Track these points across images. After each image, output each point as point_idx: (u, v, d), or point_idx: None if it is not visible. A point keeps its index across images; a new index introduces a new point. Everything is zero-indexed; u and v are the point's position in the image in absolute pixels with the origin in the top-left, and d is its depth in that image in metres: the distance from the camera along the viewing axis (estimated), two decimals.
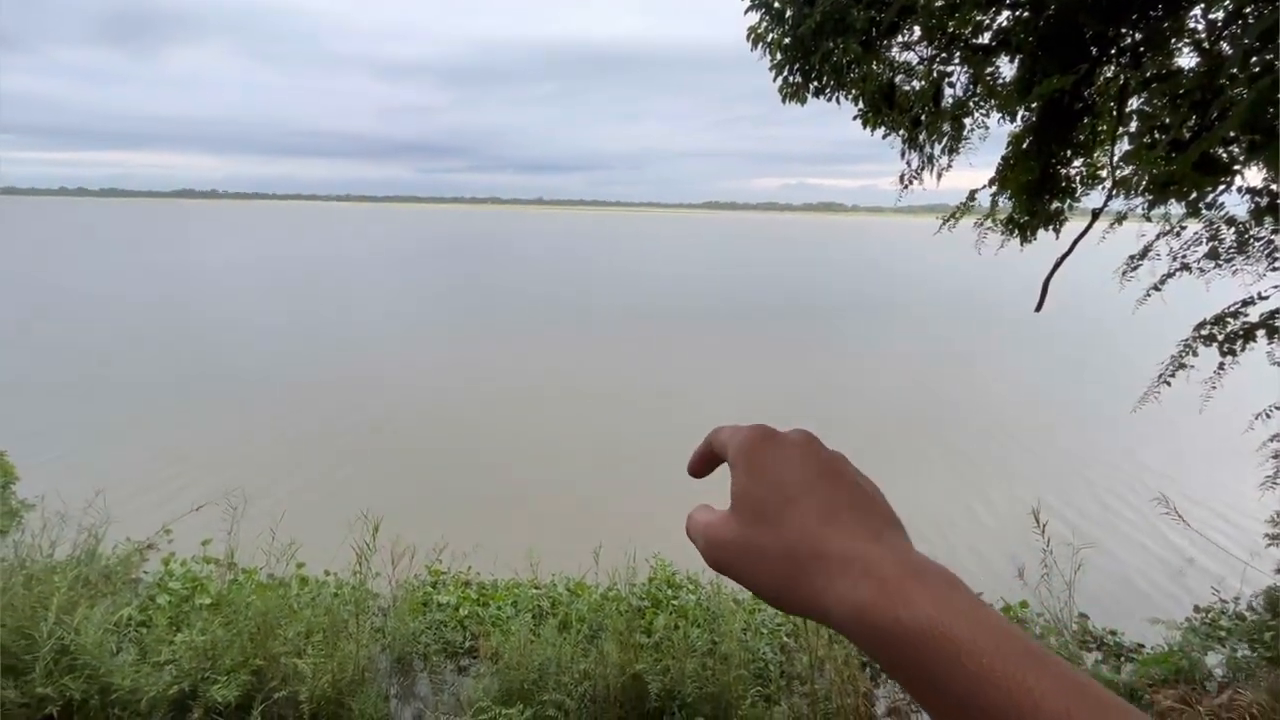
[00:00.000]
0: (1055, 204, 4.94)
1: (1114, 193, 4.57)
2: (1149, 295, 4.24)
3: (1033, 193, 4.76)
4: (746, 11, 4.47)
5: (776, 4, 4.36)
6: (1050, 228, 5.05)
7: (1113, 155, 4.48)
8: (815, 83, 4.60)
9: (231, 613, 4.62)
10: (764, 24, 4.45)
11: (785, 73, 4.58)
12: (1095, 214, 4.73)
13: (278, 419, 12.50)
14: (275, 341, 19.90)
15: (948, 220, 4.82)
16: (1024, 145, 4.65)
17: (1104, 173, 4.67)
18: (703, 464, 0.57)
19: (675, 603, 5.23)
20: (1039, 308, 4.87)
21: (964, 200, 4.67)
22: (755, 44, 4.54)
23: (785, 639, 4.88)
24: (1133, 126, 4.61)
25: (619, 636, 4.50)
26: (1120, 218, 4.49)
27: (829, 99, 4.75)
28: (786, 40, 4.41)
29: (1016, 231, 4.91)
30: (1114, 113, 4.59)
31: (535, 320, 24.76)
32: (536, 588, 5.61)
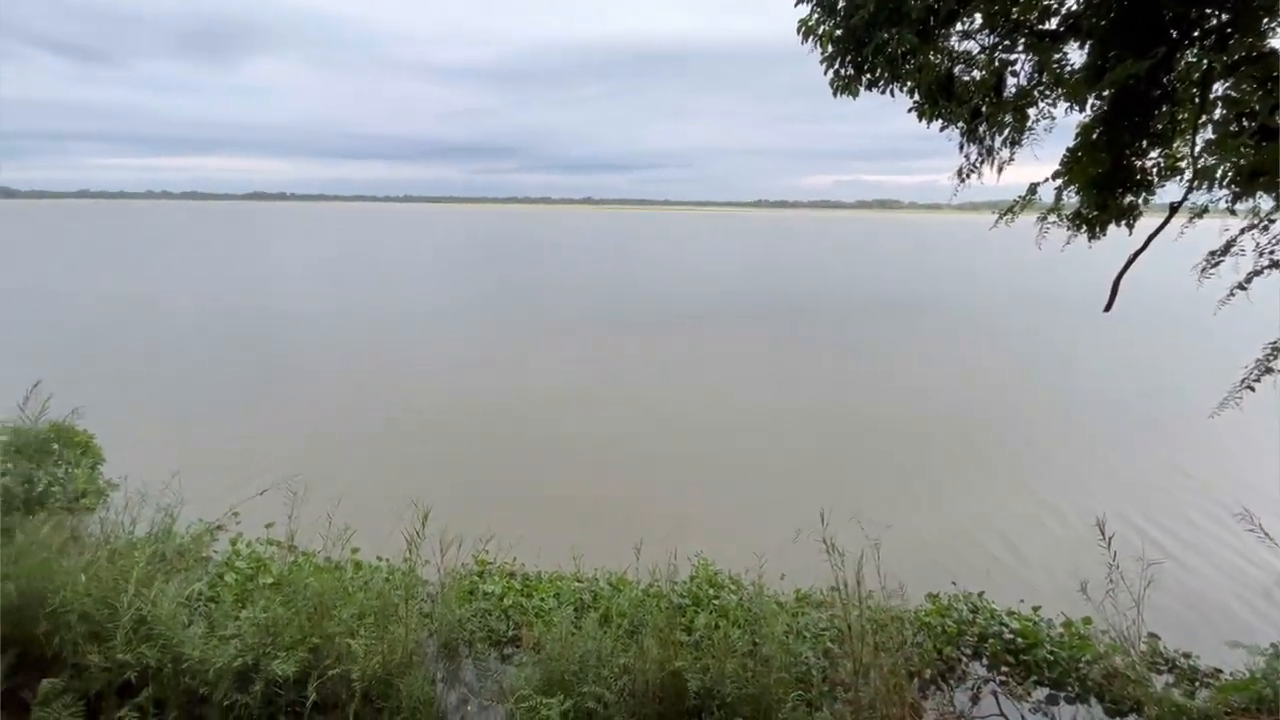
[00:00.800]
0: (1129, 198, 4.65)
1: (1195, 185, 4.27)
2: (1233, 294, 3.93)
3: (1103, 186, 4.49)
4: (796, 4, 4.38)
5: None
6: (1123, 223, 4.75)
7: (1194, 145, 4.17)
8: (868, 75, 4.47)
9: (291, 592, 4.85)
10: (814, 16, 4.35)
11: (836, 65, 4.46)
12: (1174, 208, 4.42)
13: (340, 409, 13.08)
14: (341, 335, 20.80)
15: (1004, 215, 4.60)
16: (1094, 136, 4.39)
17: (1184, 164, 4.36)
18: None
19: (717, 602, 5.20)
20: (1108, 307, 4.60)
21: (1023, 194, 4.45)
22: (805, 37, 4.44)
23: (830, 644, 4.78)
24: (1217, 114, 4.30)
25: (659, 633, 4.51)
26: (1201, 211, 4.18)
27: (882, 91, 4.60)
28: (838, 32, 4.29)
29: (1084, 227, 4.64)
30: (1196, 99, 4.28)
31: (587, 318, 25.02)
32: (579, 581, 5.68)
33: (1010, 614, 5.48)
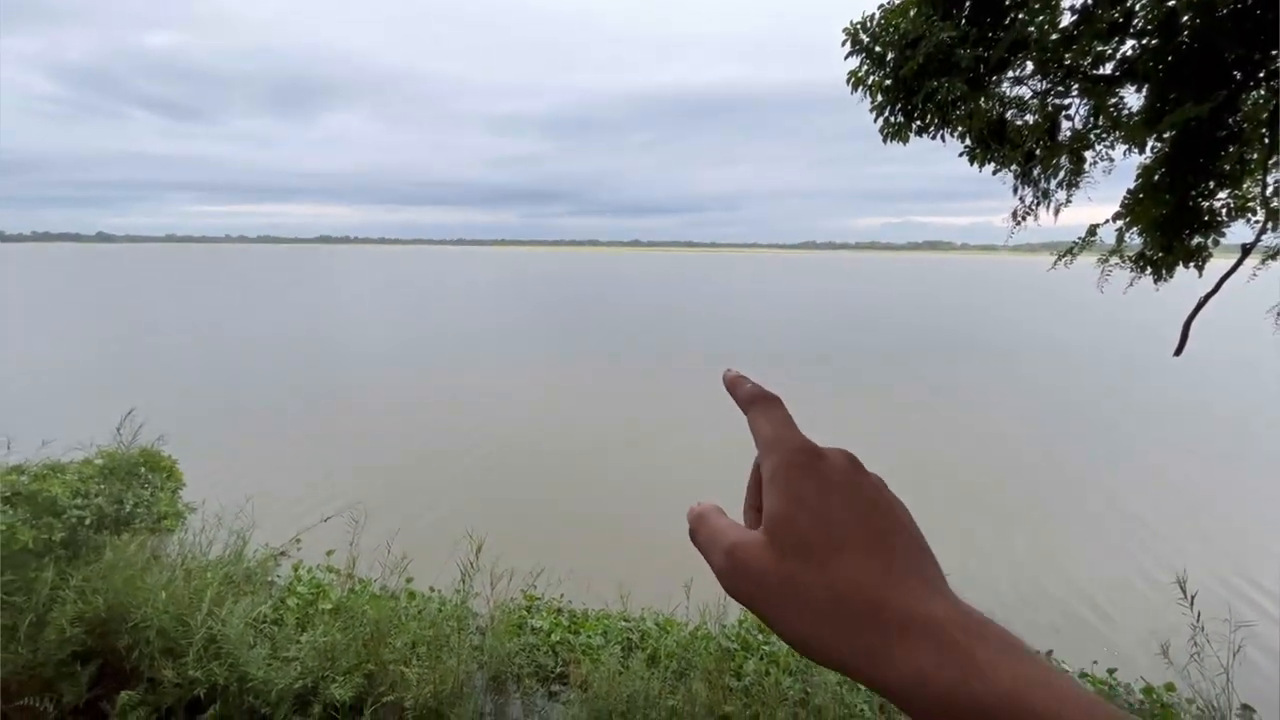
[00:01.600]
0: (1196, 239, 4.53)
1: (1268, 226, 4.14)
2: None
3: (1167, 227, 4.39)
4: (847, 57, 4.54)
5: (877, 48, 4.40)
6: (1191, 265, 4.62)
7: (1265, 185, 4.07)
8: (918, 122, 4.56)
9: (349, 619, 5.02)
10: (864, 68, 4.50)
11: (886, 113, 4.58)
12: (1246, 249, 4.28)
13: (404, 441, 13.53)
14: (409, 370, 21.62)
15: (1063, 256, 4.54)
16: (1155, 177, 4.33)
17: (1255, 204, 4.24)
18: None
19: (767, 648, 5.08)
20: (1179, 351, 4.44)
21: (1083, 236, 4.39)
22: (855, 87, 4.58)
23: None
24: None
25: (708, 676, 4.45)
26: (1275, 253, 4.04)
27: (933, 137, 4.68)
28: (887, 82, 4.42)
29: (1149, 269, 4.53)
30: (1265, 139, 4.18)
31: (640, 356, 25.27)
32: (626, 620, 5.65)
33: (1083, 675, 5.14)
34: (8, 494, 5.41)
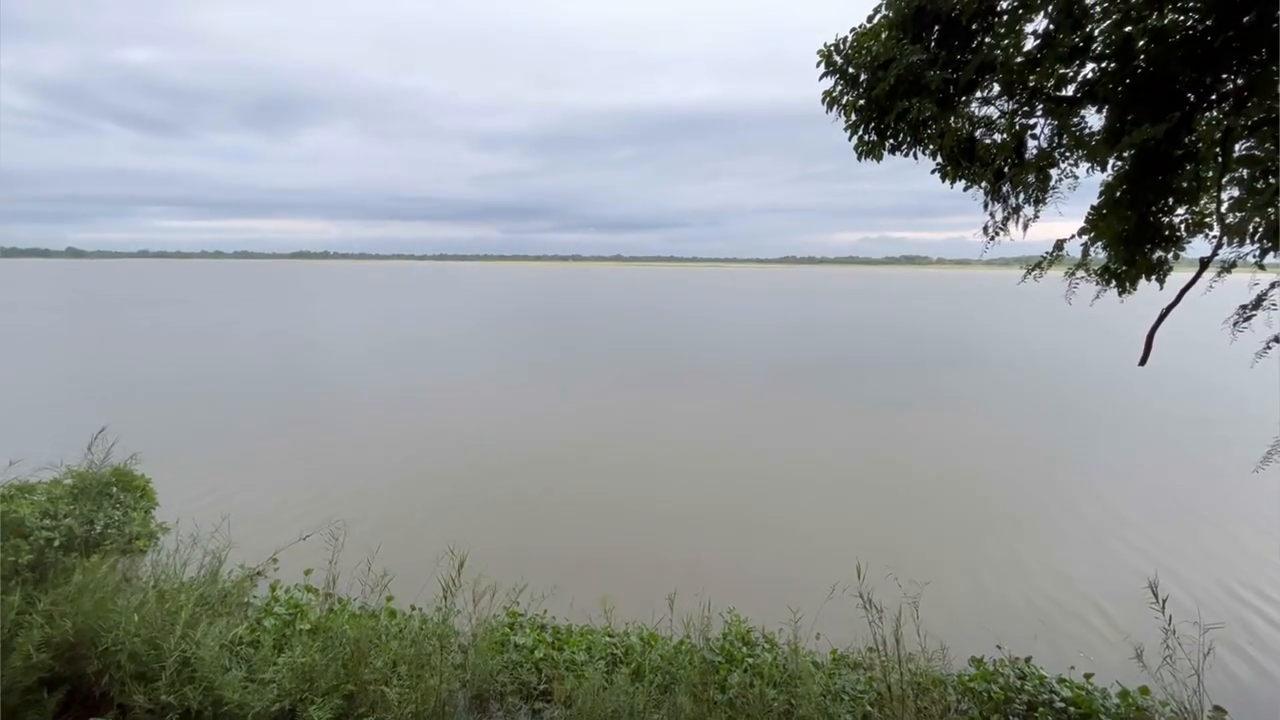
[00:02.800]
0: (1157, 253, 4.70)
1: (1225, 241, 4.31)
2: (1269, 348, 3.91)
3: (1130, 242, 4.55)
4: (821, 78, 4.67)
5: (850, 69, 4.54)
6: (1153, 278, 4.78)
7: (1219, 201, 4.25)
8: (891, 140, 4.69)
9: (328, 639, 4.93)
10: (838, 88, 4.63)
11: (860, 132, 4.70)
12: (1203, 263, 4.45)
13: (380, 458, 13.34)
14: (383, 388, 21.36)
15: (1032, 270, 4.67)
16: (1117, 194, 4.49)
17: (1211, 219, 4.41)
18: None
19: (750, 660, 5.09)
20: (1144, 361, 4.59)
21: (1050, 250, 4.53)
22: (830, 107, 4.71)
23: (869, 708, 4.61)
24: (1242, 172, 4.38)
25: (693, 690, 4.44)
26: (1229, 266, 4.21)
27: (905, 155, 4.81)
28: (860, 102, 4.55)
29: (1113, 282, 4.69)
30: (1219, 158, 4.38)
31: (623, 374, 25.26)
32: (610, 635, 5.62)
33: (1061, 681, 5.22)
34: None
